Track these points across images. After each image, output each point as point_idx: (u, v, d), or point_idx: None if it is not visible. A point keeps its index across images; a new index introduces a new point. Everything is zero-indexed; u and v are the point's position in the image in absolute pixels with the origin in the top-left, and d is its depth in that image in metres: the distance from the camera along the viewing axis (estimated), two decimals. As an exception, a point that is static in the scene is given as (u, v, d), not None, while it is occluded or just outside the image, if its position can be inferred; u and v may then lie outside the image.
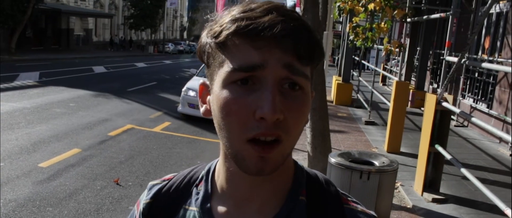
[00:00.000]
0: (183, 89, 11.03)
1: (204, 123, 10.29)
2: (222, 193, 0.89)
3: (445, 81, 5.73)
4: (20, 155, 6.79)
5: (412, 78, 16.85)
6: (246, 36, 0.74)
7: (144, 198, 0.98)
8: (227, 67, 0.76)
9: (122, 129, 9.11)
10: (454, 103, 12.86)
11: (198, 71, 12.61)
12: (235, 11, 0.77)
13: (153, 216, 0.94)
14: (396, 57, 20.73)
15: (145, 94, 14.43)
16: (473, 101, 12.00)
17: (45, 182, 5.79)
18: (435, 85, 15.79)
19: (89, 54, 36.60)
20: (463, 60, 5.27)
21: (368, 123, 11.40)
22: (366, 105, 12.92)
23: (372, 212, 0.92)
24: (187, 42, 71.10)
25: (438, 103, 5.74)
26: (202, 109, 0.88)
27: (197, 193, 0.92)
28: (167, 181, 0.98)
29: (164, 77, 21.64)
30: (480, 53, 12.04)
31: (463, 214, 5.50)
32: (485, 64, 5.55)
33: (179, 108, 11.06)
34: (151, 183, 1.00)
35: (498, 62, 10.31)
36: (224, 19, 0.77)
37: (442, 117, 5.89)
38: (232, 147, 0.79)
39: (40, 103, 11.06)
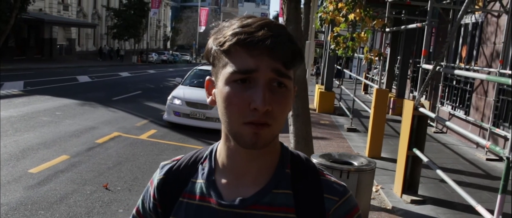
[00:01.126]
0: (169, 98, 11.20)
1: (189, 131, 10.48)
2: (223, 168, 1.10)
3: (422, 88, 6.01)
4: (9, 161, 6.90)
5: (393, 87, 17.22)
6: (244, 46, 0.97)
7: (157, 176, 1.18)
8: (229, 69, 0.98)
9: (109, 137, 9.25)
10: (433, 110, 13.22)
11: (183, 80, 12.78)
12: (235, 25, 0.99)
13: (166, 189, 1.15)
14: (377, 66, 21.14)
15: (130, 103, 14.55)
16: (452, 108, 12.37)
17: (36, 187, 5.93)
18: (415, 93, 16.16)
19: (72, 63, 36.49)
20: (438, 67, 5.54)
21: (350, 129, 11.69)
22: (348, 113, 13.21)
23: (343, 183, 1.14)
24: (171, 52, 71.06)
25: (416, 109, 6.01)
26: (208, 100, 1.09)
27: (203, 169, 1.13)
28: (176, 161, 1.19)
29: (149, 87, 21.75)
30: (457, 61, 12.43)
31: (440, 214, 5.77)
32: (457, 71, 5.85)
33: (165, 116, 11.23)
34: (162, 163, 1.20)
35: (474, 71, 10.68)
36: (226, 31, 1.00)
37: (419, 122, 6.16)
38: (232, 128, 1.01)
39: (26, 112, 11.14)
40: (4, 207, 5.15)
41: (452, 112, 12.21)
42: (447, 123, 5.08)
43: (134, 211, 1.24)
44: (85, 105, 13.17)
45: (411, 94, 16.32)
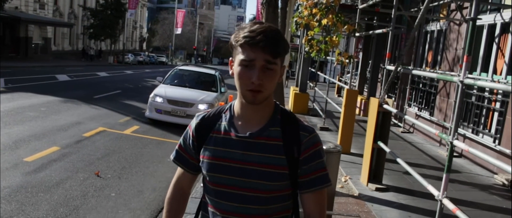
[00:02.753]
0: (151, 96, 11.72)
1: (170, 127, 11.03)
2: (237, 115, 1.73)
3: (385, 86, 6.70)
4: (4, 151, 7.34)
5: (365, 90, 18.01)
6: (248, 45, 1.59)
7: (195, 121, 1.82)
8: (240, 56, 1.62)
9: (95, 131, 9.73)
10: (401, 111, 14.04)
11: (164, 79, 13.30)
12: (246, 30, 1.62)
13: (201, 129, 1.77)
14: (353, 71, 21.94)
15: (111, 102, 14.99)
16: (418, 110, 13.19)
17: (33, 173, 6.41)
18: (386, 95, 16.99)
19: (48, 63, 36.46)
20: (399, 68, 6.24)
21: (322, 128, 12.37)
22: (321, 113, 13.92)
23: (312, 127, 1.76)
24: (147, 53, 71.13)
25: (380, 105, 6.70)
26: (230, 72, 1.69)
27: (225, 116, 1.77)
28: (207, 113, 1.82)
29: (128, 86, 22.14)
30: (424, 65, 13.26)
31: (400, 200, 6.46)
32: (414, 71, 6.57)
33: (147, 113, 11.73)
34: (197, 114, 1.83)
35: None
36: (241, 33, 1.62)
37: (383, 117, 6.85)
38: (241, 92, 1.64)
39: (12, 107, 11.50)
40: (6, 189, 5.63)
41: (418, 112, 13.02)
42: (406, 117, 5.77)
43: (177, 147, 1.84)
44: (68, 102, 13.57)
45: (392, 101, 17.12)
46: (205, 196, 1.79)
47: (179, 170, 1.89)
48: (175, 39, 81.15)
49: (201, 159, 1.76)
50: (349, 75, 17.41)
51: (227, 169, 1.68)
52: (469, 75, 9.93)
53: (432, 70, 12.14)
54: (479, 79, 9.58)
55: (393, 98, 15.83)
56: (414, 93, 13.85)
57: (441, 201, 4.40)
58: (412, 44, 14.05)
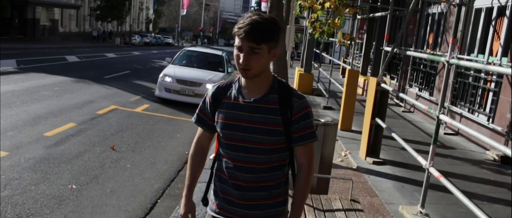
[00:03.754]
0: (160, 76, 12.17)
1: (179, 106, 11.50)
2: (243, 86, 2.18)
3: (383, 67, 7.10)
4: (24, 127, 7.83)
5: (368, 71, 18.38)
6: (238, 34, 2.03)
7: (211, 90, 2.26)
8: (235, 43, 2.05)
9: (107, 109, 10.21)
10: (403, 91, 14.44)
11: (173, 59, 13.74)
12: (239, 23, 2.05)
13: (216, 96, 2.22)
14: (355, 52, 22.29)
15: (121, 81, 15.46)
16: (418, 90, 13.58)
17: (53, 147, 6.90)
18: (388, 76, 17.38)
19: (56, 44, 36.89)
20: (395, 50, 6.64)
21: (326, 107, 12.81)
22: (325, 93, 14.34)
23: (303, 94, 2.20)
24: (153, 34, 71.41)
25: (378, 84, 7.11)
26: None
27: (235, 86, 2.20)
28: (221, 83, 2.26)
29: (136, 67, 22.59)
30: (425, 47, 13.62)
31: (395, 172, 6.92)
32: (408, 52, 6.92)
33: (156, 92, 12.20)
34: (213, 84, 2.26)
35: (437, 55, 11.85)
36: (236, 25, 2.04)
37: (381, 95, 7.27)
38: (238, 69, 2.07)
39: (27, 86, 11.99)
40: (31, 160, 6.13)
41: (419, 93, 13.42)
42: (401, 94, 6.19)
43: (197, 111, 2.30)
44: (80, 82, 14.06)
45: (390, 80, 17.51)
46: (220, 149, 2.25)
47: (199, 130, 2.35)
48: (181, 21, 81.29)
49: (216, 120, 2.21)
50: (353, 56, 17.82)
51: (236, 127, 2.13)
52: (464, 56, 10.32)
53: (432, 52, 12.51)
54: (463, 59, 9.98)
55: (396, 79, 16.21)
56: (415, 74, 14.23)
57: (428, 169, 4.85)
58: (408, 26, 14.40)
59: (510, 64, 8.56)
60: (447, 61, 4.70)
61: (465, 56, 10.45)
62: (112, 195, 5.32)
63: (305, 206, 3.80)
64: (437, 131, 4.85)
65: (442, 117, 4.73)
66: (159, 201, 5.36)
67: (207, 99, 2.27)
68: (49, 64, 19.14)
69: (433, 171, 4.76)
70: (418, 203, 5.12)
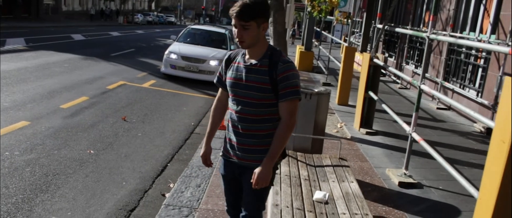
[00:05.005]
0: (166, 53, 12.69)
1: (184, 82, 12.04)
2: (246, 53, 2.71)
3: (375, 43, 7.60)
4: (41, 100, 8.39)
5: (368, 49, 18.80)
6: (231, 15, 2.56)
7: (226, 56, 2.81)
8: (232, 21, 2.58)
9: (116, 84, 10.76)
10: (400, 69, 14.94)
11: (177, 37, 14.25)
12: (235, 4, 2.57)
13: (228, 61, 2.77)
14: (356, 31, 22.72)
15: (127, 59, 15.99)
16: (414, 67, 14.07)
17: (70, 117, 7.47)
18: (387, 54, 17.85)
19: (60, 23, 37.30)
20: (386, 27, 7.13)
21: (325, 84, 13.31)
22: (324, 70, 14.83)
23: (290, 60, 2.73)
24: (156, 13, 71.58)
25: (371, 60, 7.62)
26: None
27: (242, 53, 2.74)
28: (233, 51, 2.79)
29: (141, 45, 23.08)
30: (421, 25, 14.07)
31: (386, 141, 7.48)
32: (397, 29, 7.39)
33: (162, 69, 12.73)
34: (227, 52, 2.83)
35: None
36: (232, 7, 2.58)
37: (374, 70, 7.78)
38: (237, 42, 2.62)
39: (38, 63, 12.54)
40: (51, 129, 6.70)
41: (414, 70, 13.91)
42: (390, 68, 6.71)
43: (217, 74, 2.87)
44: (88, 60, 14.59)
45: (383, 55, 17.97)
46: (228, 100, 2.80)
47: (219, 90, 2.93)
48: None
49: (226, 80, 2.75)
50: (350, 34, 18.27)
51: (237, 84, 2.68)
52: (457, 34, 10.79)
53: (425, 29, 12.95)
54: (455, 37, 10.45)
55: (393, 57, 16.68)
56: (411, 52, 14.70)
57: (410, 134, 5.40)
58: (407, 5, 14.78)
59: (498, 41, 9.04)
60: (428, 37, 5.20)
61: (458, 34, 10.92)
62: (126, 159, 5.89)
63: (300, 163, 4.36)
64: (419, 99, 5.39)
65: (423, 86, 5.25)
66: (169, 164, 5.92)
67: (223, 64, 2.82)
68: (56, 42, 19.65)
69: (415, 135, 5.31)
70: (403, 166, 5.68)
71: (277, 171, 3.64)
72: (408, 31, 6.42)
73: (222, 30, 15.30)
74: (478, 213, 3.43)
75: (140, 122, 7.75)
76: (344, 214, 3.28)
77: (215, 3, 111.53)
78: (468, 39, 10.17)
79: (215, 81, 2.92)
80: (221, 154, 2.90)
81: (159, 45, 23.88)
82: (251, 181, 2.61)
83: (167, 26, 59.94)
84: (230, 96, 2.76)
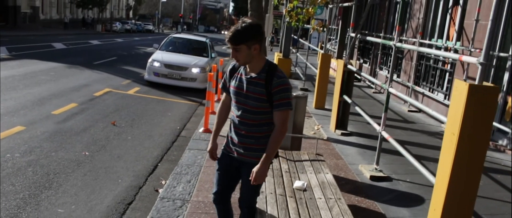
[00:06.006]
0: (149, 61, 13.13)
1: (167, 89, 12.50)
2: (247, 67, 3.19)
3: (349, 50, 8.20)
4: (33, 107, 8.76)
5: (344, 55, 19.50)
6: (226, 39, 3.07)
7: (229, 67, 3.30)
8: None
9: (103, 91, 11.17)
10: (374, 75, 15.62)
11: (160, 46, 14.71)
12: (229, 30, 3.10)
13: (231, 72, 3.27)
14: (332, 38, 23.41)
15: (110, 67, 16.36)
16: (388, 73, 14.76)
17: (62, 122, 7.88)
18: (362, 60, 18.55)
19: (38, 31, 37.30)
20: (358, 35, 7.74)
21: (302, 89, 13.84)
22: (302, 76, 15.43)
23: (285, 76, 3.24)
24: (134, 21, 71.68)
25: (345, 66, 8.20)
26: None
27: (243, 67, 3.22)
28: (235, 62, 3.27)
29: (122, 53, 23.42)
30: (393, 33, 14.78)
31: (360, 141, 8.06)
32: (368, 38, 7.99)
33: (146, 76, 13.17)
34: (232, 63, 3.29)
35: (403, 41, 13.03)
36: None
37: (348, 76, 8.37)
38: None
39: (25, 72, 12.85)
40: (46, 133, 7.10)
41: (388, 75, 14.60)
42: (362, 73, 7.30)
43: (222, 81, 3.34)
44: (72, 68, 14.93)
45: (358, 62, 18.69)
46: (231, 107, 3.29)
47: (224, 94, 3.40)
48: (161, 7, 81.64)
49: (229, 87, 3.25)
50: (326, 41, 18.92)
51: (239, 93, 3.18)
52: (426, 41, 11.48)
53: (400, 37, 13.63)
54: (425, 44, 11.13)
55: (368, 63, 17.39)
56: (384, 58, 15.41)
57: (380, 133, 5.98)
58: (380, 14, 15.48)
59: (463, 48, 9.73)
60: (394, 45, 5.80)
61: (427, 41, 11.62)
62: (119, 159, 6.34)
63: (281, 158, 4.89)
64: (387, 101, 5.98)
65: (391, 89, 5.84)
66: (159, 164, 6.38)
67: (227, 73, 3.31)
68: (38, 51, 19.89)
69: (384, 134, 5.88)
70: (374, 162, 6.25)
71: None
72: (378, 40, 7.02)
73: (203, 39, 15.80)
74: (435, 196, 3.99)
75: (129, 126, 8.18)
76: (320, 198, 3.81)
77: (192, 11, 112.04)
78: (435, 46, 10.87)
79: (220, 86, 3.40)
80: (222, 148, 3.39)
81: (139, 53, 24.27)
82: (250, 178, 3.09)
83: (146, 34, 60.15)
84: (232, 102, 3.25)
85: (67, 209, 4.59)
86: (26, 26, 41.93)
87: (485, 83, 3.61)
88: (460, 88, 3.61)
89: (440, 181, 3.89)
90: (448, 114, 3.83)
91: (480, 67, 3.55)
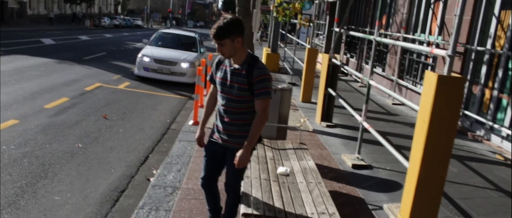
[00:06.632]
0: (139, 56, 13.33)
1: (157, 83, 12.71)
2: (231, 59, 3.44)
3: (333, 45, 8.48)
4: (24, 101, 8.95)
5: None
6: (210, 35, 3.32)
7: (216, 60, 3.56)
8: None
9: (93, 86, 11.36)
10: (359, 69, 15.93)
11: (149, 41, 14.91)
12: (213, 26, 3.35)
13: (217, 64, 3.52)
14: (320, 33, 23.72)
15: (100, 62, 16.53)
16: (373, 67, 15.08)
17: (55, 116, 8.08)
18: (349, 55, 18.87)
19: (26, 27, 37.22)
20: (342, 30, 8.02)
21: (290, 83, 14.17)
22: (289, 71, 15.71)
23: (265, 67, 3.51)
24: (122, 16, 71.52)
25: (330, 60, 8.49)
26: None
27: (228, 60, 3.47)
28: (221, 56, 3.51)
29: (111, 49, 23.56)
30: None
31: (344, 133, 8.36)
32: (351, 33, 8.27)
33: (136, 71, 13.36)
34: (218, 56, 3.54)
35: (387, 36, 13.35)
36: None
37: (333, 69, 8.65)
38: None
39: (15, 67, 13.00)
40: (39, 126, 7.32)
41: (373, 69, 14.92)
42: (346, 67, 7.58)
43: (210, 73, 3.59)
44: (62, 63, 15.09)
45: (344, 56, 19.01)
46: (217, 96, 3.54)
47: (211, 86, 3.65)
48: (150, 2, 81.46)
49: (216, 79, 3.50)
50: (314, 37, 19.18)
51: (223, 83, 3.43)
52: (410, 36, 11.81)
53: (386, 32, 13.98)
54: (408, 39, 11.43)
55: (354, 58, 17.71)
56: (371, 53, 15.72)
57: (362, 123, 6.27)
58: (366, 9, 15.75)
59: (444, 42, 10.06)
60: (374, 39, 6.09)
61: (410, 36, 11.94)
62: (112, 151, 6.57)
63: (266, 147, 5.16)
64: (368, 92, 6.26)
65: (371, 82, 6.13)
66: (150, 155, 6.62)
67: (213, 65, 3.56)
68: (28, 46, 20.00)
69: (365, 124, 6.18)
70: (356, 151, 6.55)
71: (254, 152, 4.44)
72: (360, 35, 7.30)
73: (192, 34, 16.01)
74: (408, 179, 4.29)
75: (120, 120, 8.41)
76: (302, 182, 4.09)
77: (181, 6, 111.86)
78: (417, 41, 11.19)
79: (208, 78, 3.64)
80: (209, 135, 3.65)
81: (129, 48, 24.41)
82: (234, 162, 3.35)
83: (135, 29, 60.09)
84: (218, 92, 3.50)
85: (63, 196, 4.83)
86: (13, 22, 41.78)
87: (453, 74, 3.91)
88: (430, 79, 3.90)
89: (413, 164, 4.19)
90: (420, 103, 4.12)
91: (448, 59, 3.84)
